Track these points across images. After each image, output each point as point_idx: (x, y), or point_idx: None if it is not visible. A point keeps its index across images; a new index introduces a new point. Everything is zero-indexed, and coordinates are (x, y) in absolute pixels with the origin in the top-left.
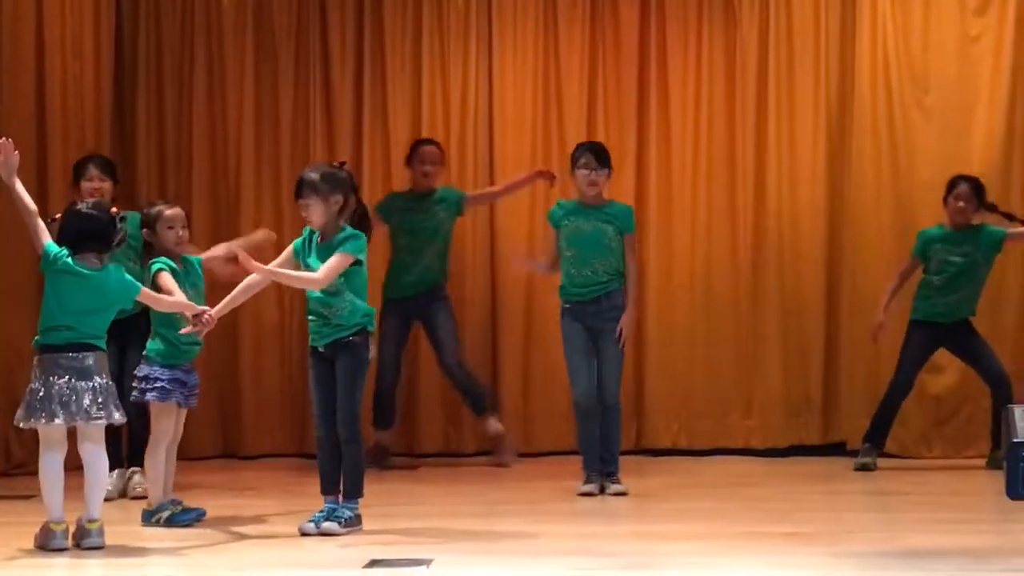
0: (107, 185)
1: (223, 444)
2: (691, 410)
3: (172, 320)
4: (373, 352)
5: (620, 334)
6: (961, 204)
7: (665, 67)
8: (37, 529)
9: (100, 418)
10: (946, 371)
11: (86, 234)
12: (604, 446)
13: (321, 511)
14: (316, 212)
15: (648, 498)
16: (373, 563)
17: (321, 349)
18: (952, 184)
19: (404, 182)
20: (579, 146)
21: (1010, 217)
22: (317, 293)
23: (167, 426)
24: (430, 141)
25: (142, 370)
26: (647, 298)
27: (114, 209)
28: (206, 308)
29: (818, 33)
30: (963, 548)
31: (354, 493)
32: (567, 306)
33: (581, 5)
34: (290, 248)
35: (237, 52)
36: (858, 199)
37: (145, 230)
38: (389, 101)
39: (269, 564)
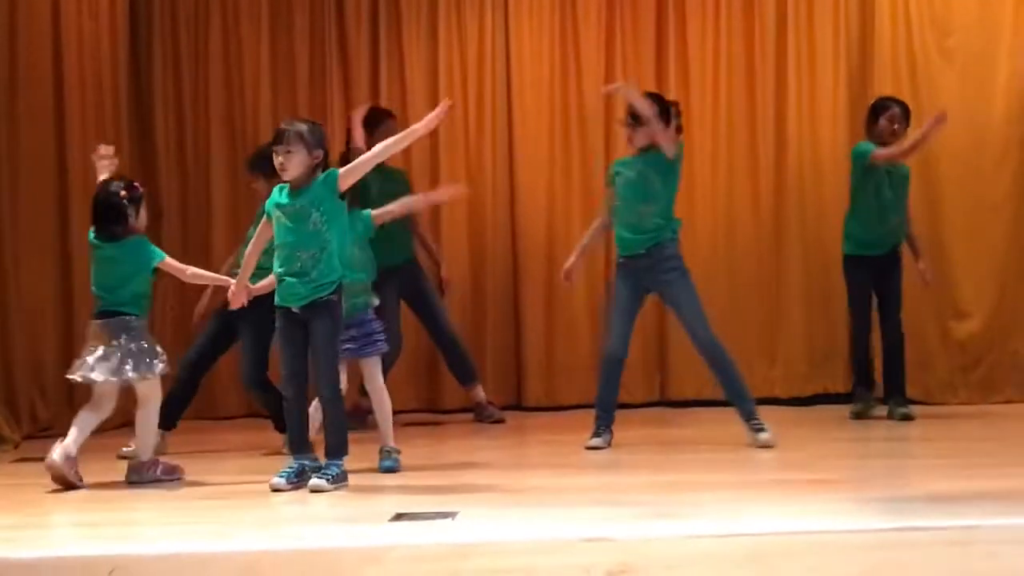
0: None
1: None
2: None
3: None
4: None
5: None
6: None
7: (683, 20)
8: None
9: None
10: (972, 317)
11: None
12: (726, 393)
13: (290, 467)
14: (295, 162)
15: (673, 448)
16: (399, 516)
17: (296, 310)
18: None
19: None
20: None
21: None
22: (300, 248)
23: None
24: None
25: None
26: None
27: None
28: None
29: None
30: (989, 492)
31: (341, 451)
32: (620, 261)
33: None
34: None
35: (253, 6)
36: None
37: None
38: (405, 56)
39: (296, 519)
